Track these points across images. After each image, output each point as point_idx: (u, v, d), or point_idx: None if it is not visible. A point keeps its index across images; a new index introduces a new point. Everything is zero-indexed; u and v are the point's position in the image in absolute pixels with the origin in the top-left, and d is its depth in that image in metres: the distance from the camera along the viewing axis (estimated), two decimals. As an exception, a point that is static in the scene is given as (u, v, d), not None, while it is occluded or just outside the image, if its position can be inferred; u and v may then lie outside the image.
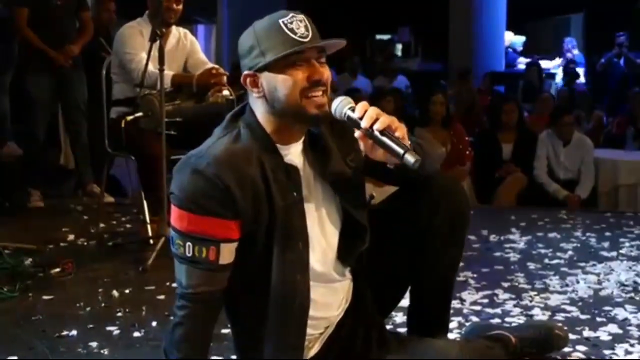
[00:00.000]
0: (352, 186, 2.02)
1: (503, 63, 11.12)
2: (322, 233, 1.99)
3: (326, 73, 1.90)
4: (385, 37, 16.33)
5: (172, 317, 2.72)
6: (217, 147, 1.84)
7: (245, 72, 1.89)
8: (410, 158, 1.79)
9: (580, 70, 11.15)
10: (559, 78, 11.25)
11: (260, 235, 1.86)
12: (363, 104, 1.88)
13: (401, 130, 1.85)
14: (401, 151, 1.81)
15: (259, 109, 1.91)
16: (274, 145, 1.90)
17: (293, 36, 1.84)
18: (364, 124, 1.84)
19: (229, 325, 2.14)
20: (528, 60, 11.83)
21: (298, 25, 1.86)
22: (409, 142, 1.86)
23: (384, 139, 1.83)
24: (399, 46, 16.05)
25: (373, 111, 1.85)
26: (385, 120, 1.84)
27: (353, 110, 1.88)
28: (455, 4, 11.27)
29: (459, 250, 2.16)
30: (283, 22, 1.86)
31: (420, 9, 14.64)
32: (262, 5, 11.31)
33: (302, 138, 1.96)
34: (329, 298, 2.04)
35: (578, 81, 10.96)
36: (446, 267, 2.17)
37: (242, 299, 1.95)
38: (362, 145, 1.90)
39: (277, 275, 1.87)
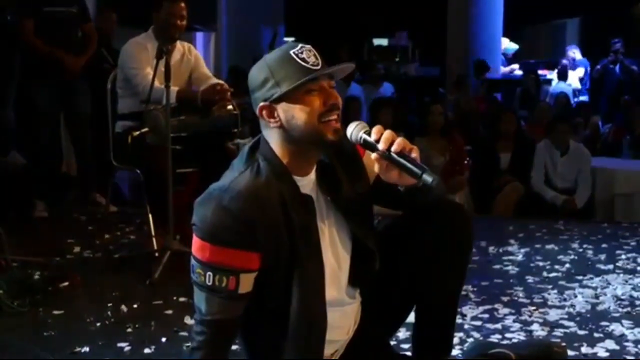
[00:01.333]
0: (361, 213, 2.10)
1: (500, 70, 11.19)
2: (335, 259, 2.07)
3: (339, 97, 1.98)
4: (384, 40, 16.39)
5: (179, 332, 2.83)
6: (240, 182, 1.91)
7: (261, 104, 1.96)
8: (428, 177, 1.89)
9: (574, 75, 11.19)
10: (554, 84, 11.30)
11: (280, 264, 1.94)
12: (378, 127, 1.97)
13: (416, 152, 1.95)
14: (419, 171, 1.90)
15: (275, 140, 1.98)
16: (291, 177, 1.97)
17: (305, 65, 1.92)
18: (382, 146, 1.93)
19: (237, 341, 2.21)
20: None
21: (308, 54, 1.94)
22: None
23: (401, 160, 1.93)
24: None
25: (389, 133, 1.95)
26: (401, 142, 1.93)
27: (368, 133, 1.97)
28: (452, 10, 11.36)
29: (462, 275, 2.23)
30: (294, 52, 1.94)
31: (418, 13, 14.75)
32: (260, 13, 11.42)
33: (314, 168, 2.04)
34: (341, 321, 2.13)
35: (575, 87, 11.01)
36: (450, 290, 2.24)
37: (260, 324, 2.03)
38: (376, 167, 1.98)
39: (296, 301, 1.94)
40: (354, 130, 1.98)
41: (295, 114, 1.93)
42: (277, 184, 1.94)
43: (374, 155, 1.95)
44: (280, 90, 1.92)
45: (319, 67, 1.93)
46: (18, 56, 5.68)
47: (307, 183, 2.02)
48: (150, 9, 4.42)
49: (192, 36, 9.81)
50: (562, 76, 10.99)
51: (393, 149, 1.92)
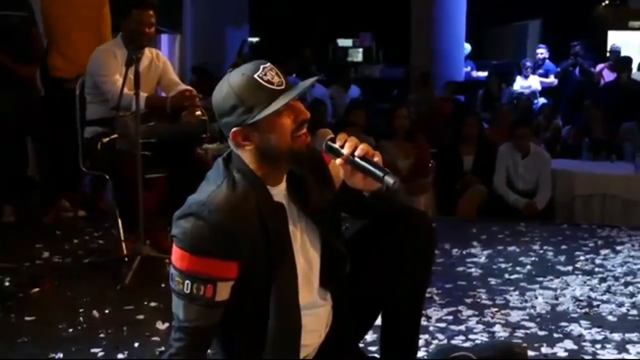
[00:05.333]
0: (330, 218, 2.20)
1: (463, 72, 11.33)
2: (307, 261, 2.16)
3: (307, 111, 2.07)
4: (348, 41, 16.50)
5: (152, 337, 2.89)
6: (218, 196, 1.99)
7: (235, 129, 2.02)
8: (389, 179, 2.00)
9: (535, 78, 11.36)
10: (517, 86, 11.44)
11: (257, 270, 2.02)
12: (343, 134, 2.08)
13: (378, 157, 2.06)
14: (381, 174, 2.01)
15: (249, 157, 2.05)
16: (265, 187, 2.06)
17: (272, 87, 2.00)
18: (346, 151, 2.04)
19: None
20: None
21: (272, 75, 2.01)
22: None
23: (365, 163, 2.04)
24: (360, 51, 16.25)
25: (353, 139, 2.06)
26: (364, 147, 2.04)
27: (333, 141, 2.07)
28: (416, 12, 11.47)
29: (426, 280, 2.34)
30: (258, 76, 2.00)
31: (382, 14, 14.89)
32: (225, 15, 11.42)
33: (285, 178, 2.13)
34: (315, 325, 2.21)
35: (534, 88, 11.18)
36: (415, 294, 2.33)
37: (239, 330, 2.10)
38: (341, 172, 2.09)
39: (272, 305, 2.03)
40: (319, 138, 2.07)
41: (271, 135, 2.01)
42: (253, 194, 2.02)
43: (338, 161, 2.05)
44: (253, 116, 1.99)
45: (283, 87, 2.00)
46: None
47: (279, 192, 2.11)
48: (117, 12, 4.45)
49: (157, 38, 9.81)
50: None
51: (356, 153, 2.03)
